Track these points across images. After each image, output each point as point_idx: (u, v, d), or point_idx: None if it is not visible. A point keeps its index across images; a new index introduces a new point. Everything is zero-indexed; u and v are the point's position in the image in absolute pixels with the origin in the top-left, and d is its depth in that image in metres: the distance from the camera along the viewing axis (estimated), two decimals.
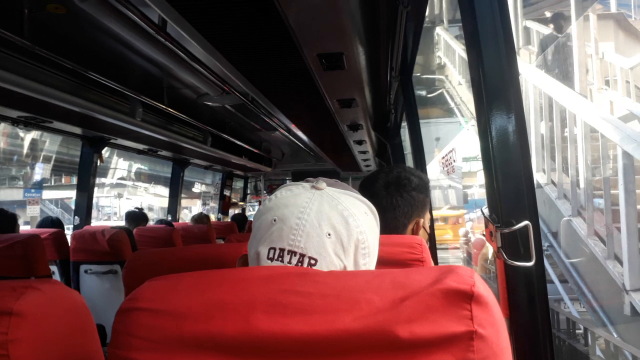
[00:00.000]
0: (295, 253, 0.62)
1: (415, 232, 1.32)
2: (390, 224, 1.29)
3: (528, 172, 0.92)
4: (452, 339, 0.48)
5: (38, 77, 2.28)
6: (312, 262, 0.62)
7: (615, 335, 4.06)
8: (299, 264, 0.62)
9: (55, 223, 3.42)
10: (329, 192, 0.66)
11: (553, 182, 5.52)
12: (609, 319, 4.35)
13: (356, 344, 0.48)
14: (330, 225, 0.63)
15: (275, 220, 0.64)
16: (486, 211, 0.98)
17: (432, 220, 2.29)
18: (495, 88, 0.96)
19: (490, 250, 8.71)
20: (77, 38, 2.30)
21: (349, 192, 0.69)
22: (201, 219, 4.75)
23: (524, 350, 0.88)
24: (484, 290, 0.50)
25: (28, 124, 3.00)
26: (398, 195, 1.29)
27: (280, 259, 0.63)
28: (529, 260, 0.87)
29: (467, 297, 0.48)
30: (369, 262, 0.67)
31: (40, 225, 3.42)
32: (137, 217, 3.78)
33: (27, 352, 0.55)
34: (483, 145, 0.97)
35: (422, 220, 1.32)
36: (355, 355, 0.48)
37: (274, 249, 0.63)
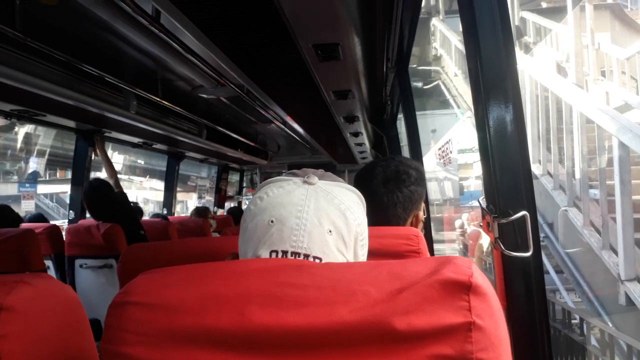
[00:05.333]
0: (299, 254, 0.60)
1: (414, 224, 1.30)
2: (392, 221, 1.26)
3: (525, 162, 0.92)
4: (450, 330, 0.47)
5: (30, 69, 2.25)
6: (317, 261, 0.61)
7: (611, 325, 4.09)
8: None
9: (38, 219, 3.39)
10: (322, 185, 0.65)
11: (549, 174, 5.53)
12: (604, 308, 4.38)
13: (353, 336, 0.47)
14: (330, 222, 0.62)
15: (272, 222, 0.62)
16: (483, 202, 0.97)
17: (428, 211, 2.29)
18: (493, 78, 0.95)
19: (486, 241, 8.74)
20: (69, 30, 2.27)
21: (338, 182, 0.68)
22: (204, 211, 4.77)
23: (522, 341, 0.88)
24: (482, 280, 0.49)
25: (21, 118, 2.97)
26: (398, 191, 1.26)
27: None
28: (527, 250, 0.87)
29: (465, 288, 0.48)
30: (365, 252, 0.67)
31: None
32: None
33: (17, 347, 0.54)
34: (480, 135, 0.96)
35: (420, 213, 1.31)
36: (351, 348, 0.48)
37: (276, 251, 0.61)
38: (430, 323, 0.47)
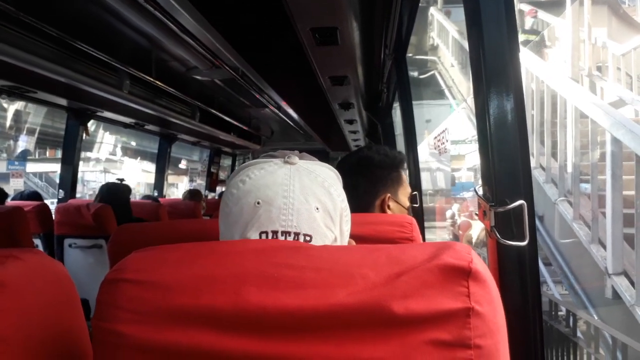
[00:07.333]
0: (289, 233, 0.61)
1: (382, 208, 1.32)
2: (354, 203, 1.29)
3: (525, 151, 0.92)
4: (449, 316, 0.47)
5: (22, 45, 2.20)
6: (307, 238, 0.61)
7: (596, 318, 4.15)
8: None
9: (34, 197, 3.34)
10: (303, 165, 0.65)
11: (542, 167, 5.56)
12: (590, 301, 4.44)
13: (350, 319, 0.47)
14: (316, 199, 0.63)
15: (259, 203, 0.61)
16: (480, 190, 0.97)
17: (420, 199, 2.28)
18: (495, 67, 0.94)
19: (474, 232, 8.80)
20: (63, 6, 2.23)
21: (317, 162, 0.68)
22: (197, 194, 4.75)
23: (515, 329, 0.88)
24: (481, 267, 0.48)
25: (11, 94, 2.92)
26: (359, 175, 1.32)
27: None
28: (523, 240, 0.87)
29: (465, 274, 0.47)
30: (349, 228, 0.68)
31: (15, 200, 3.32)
32: (116, 190, 3.07)
33: (7, 322, 0.53)
34: (480, 124, 0.96)
35: (387, 196, 1.32)
36: (349, 331, 0.47)
37: (266, 232, 0.61)
38: (428, 308, 0.47)
